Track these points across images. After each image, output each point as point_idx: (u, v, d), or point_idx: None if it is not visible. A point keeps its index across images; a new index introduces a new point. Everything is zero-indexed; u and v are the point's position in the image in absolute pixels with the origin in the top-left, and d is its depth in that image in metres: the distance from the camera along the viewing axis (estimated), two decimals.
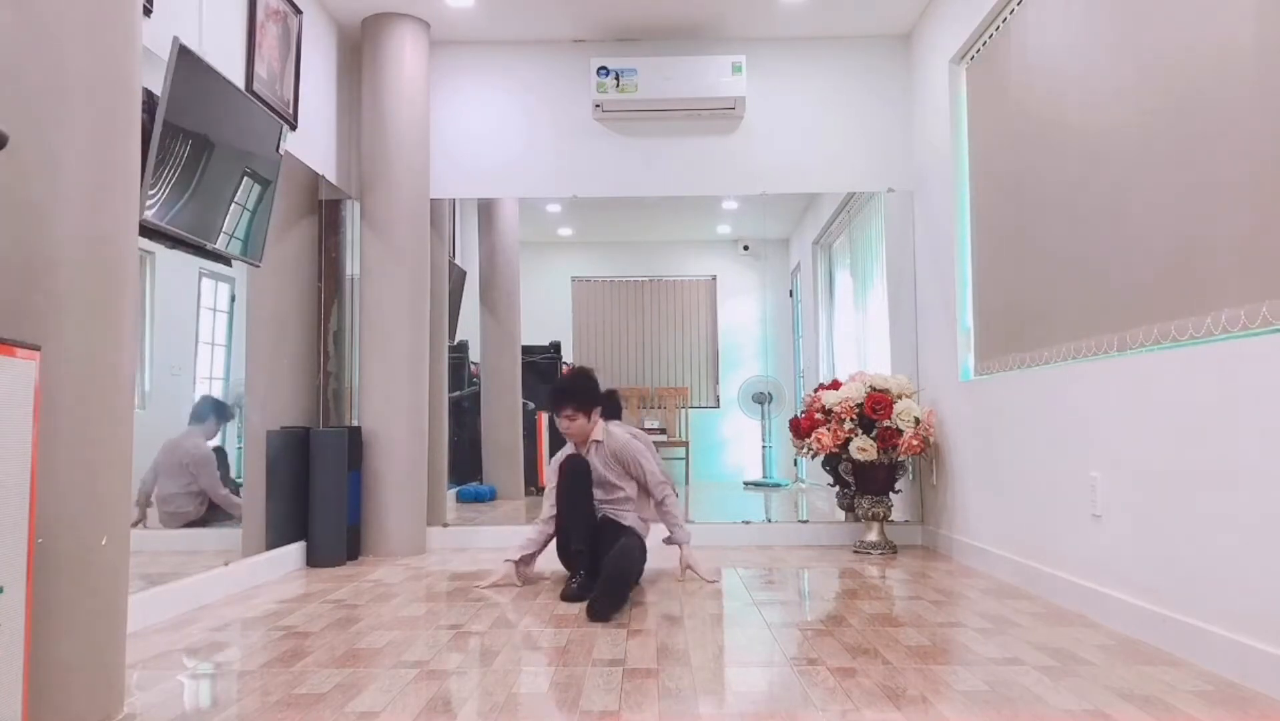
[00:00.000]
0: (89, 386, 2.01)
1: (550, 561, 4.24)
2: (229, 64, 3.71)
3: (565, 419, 3.81)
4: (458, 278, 6.21)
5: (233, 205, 3.55)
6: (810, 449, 4.64)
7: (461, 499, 6.25)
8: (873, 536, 4.60)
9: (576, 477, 3.69)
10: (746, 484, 6.11)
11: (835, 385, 4.75)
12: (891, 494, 4.63)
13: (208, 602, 3.43)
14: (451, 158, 5.16)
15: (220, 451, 3.80)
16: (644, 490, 3.90)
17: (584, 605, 3.26)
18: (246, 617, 3.17)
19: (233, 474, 3.94)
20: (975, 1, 4.00)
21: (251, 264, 3.81)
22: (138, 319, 2.24)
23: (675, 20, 4.94)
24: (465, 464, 6.53)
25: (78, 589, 1.98)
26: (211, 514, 3.68)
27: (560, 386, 3.85)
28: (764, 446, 6.32)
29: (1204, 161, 2.48)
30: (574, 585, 3.48)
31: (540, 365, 7.03)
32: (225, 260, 3.71)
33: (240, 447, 4.01)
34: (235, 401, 4.00)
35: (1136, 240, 2.80)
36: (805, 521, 5.02)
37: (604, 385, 3.93)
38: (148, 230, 3.05)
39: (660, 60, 4.96)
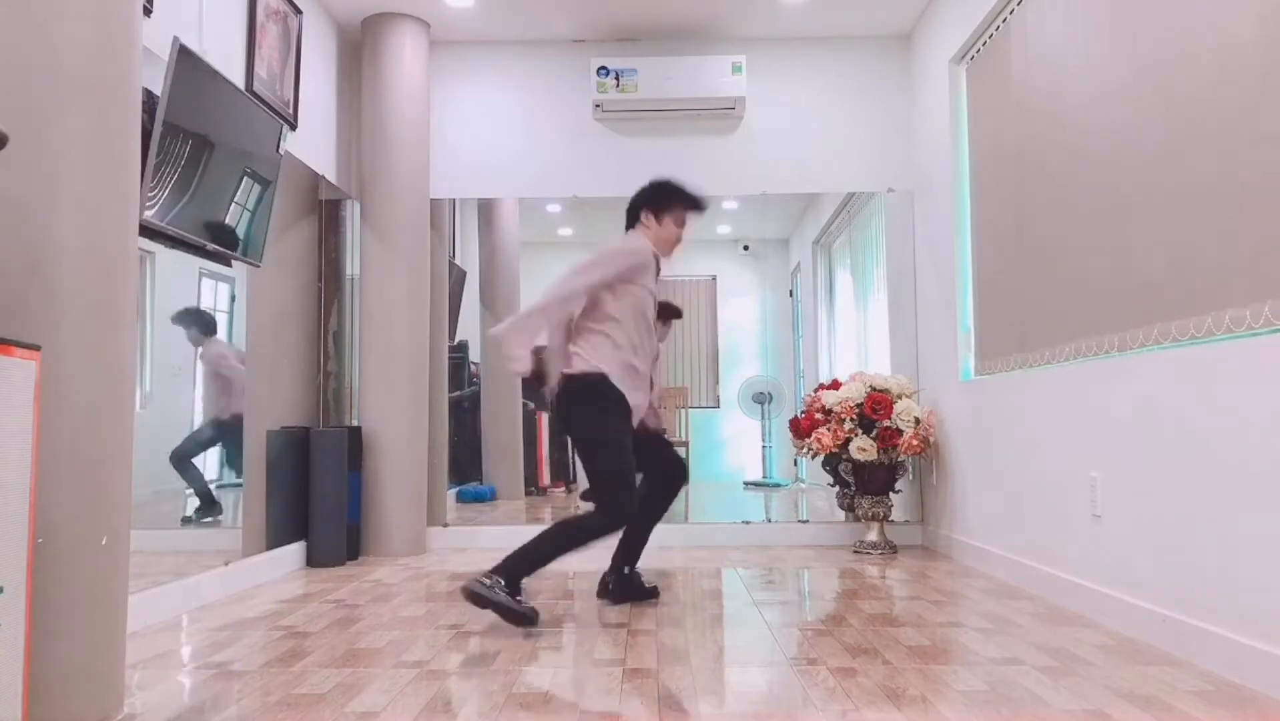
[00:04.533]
0: (89, 386, 2.01)
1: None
2: (229, 64, 3.71)
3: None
4: (458, 278, 6.20)
5: (233, 205, 3.55)
6: (810, 449, 4.64)
7: (461, 499, 6.25)
8: (873, 536, 4.60)
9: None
10: (746, 484, 6.11)
11: (835, 385, 4.75)
12: (891, 494, 4.63)
13: (208, 602, 3.42)
14: (451, 158, 5.16)
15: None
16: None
17: (600, 596, 3.36)
18: (246, 617, 3.17)
19: (232, 471, 3.94)
20: (975, 1, 4.00)
21: (251, 264, 3.81)
22: (137, 319, 2.24)
23: (675, 20, 4.93)
24: (465, 464, 6.53)
25: (78, 589, 1.97)
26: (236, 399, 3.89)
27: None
28: (764, 446, 6.32)
29: (1205, 160, 2.47)
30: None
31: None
32: (225, 260, 3.71)
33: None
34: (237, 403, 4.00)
35: (1137, 239, 2.80)
36: (805, 521, 5.02)
37: None
38: (148, 230, 3.05)
39: (660, 60, 4.96)
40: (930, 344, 4.78)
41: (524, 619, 2.89)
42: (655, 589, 3.41)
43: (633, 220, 3.32)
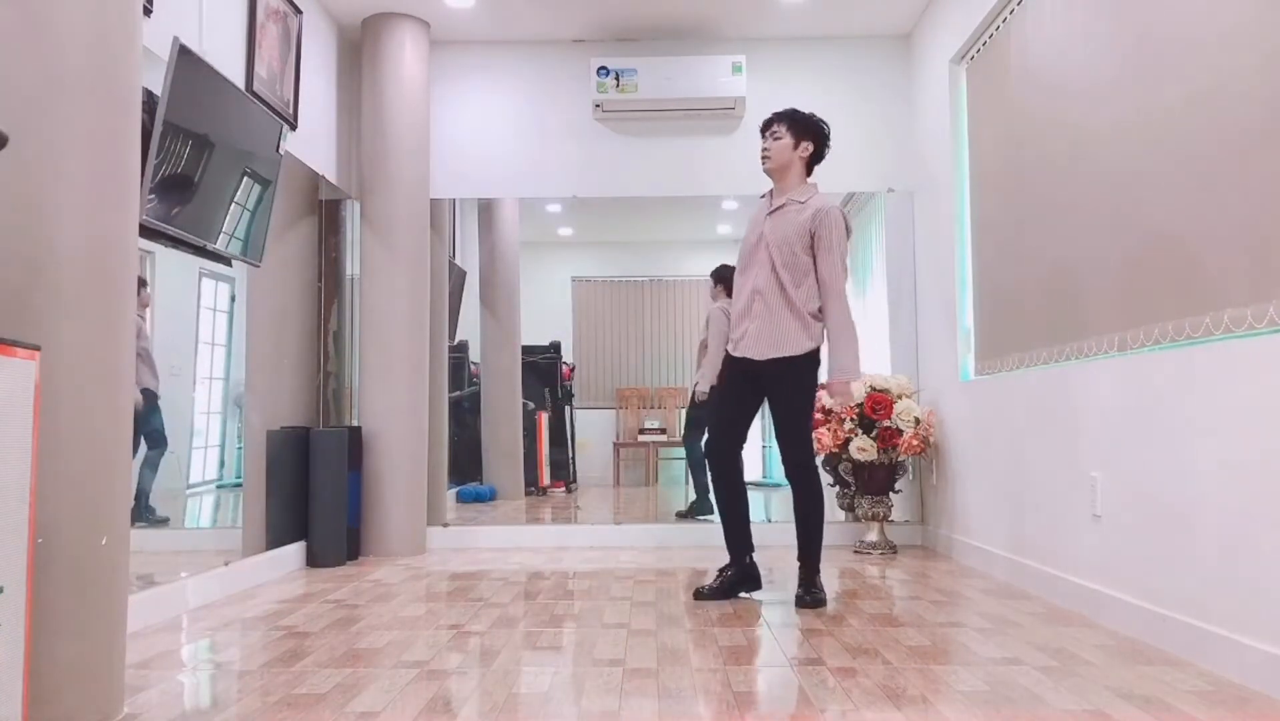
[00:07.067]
0: (89, 386, 2.01)
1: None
2: (229, 64, 3.71)
3: (769, 138, 3.41)
4: (458, 278, 6.20)
5: (233, 205, 3.55)
6: None
7: (461, 499, 6.25)
8: (873, 536, 4.60)
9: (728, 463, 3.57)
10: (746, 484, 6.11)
11: None
12: (891, 494, 4.63)
13: (208, 602, 3.43)
14: (452, 158, 5.16)
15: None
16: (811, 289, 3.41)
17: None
18: (246, 617, 3.17)
19: (231, 472, 3.94)
20: (975, 2, 4.00)
21: (251, 264, 3.81)
22: (137, 319, 2.23)
23: (675, 20, 4.93)
24: (465, 464, 6.53)
25: (78, 589, 1.97)
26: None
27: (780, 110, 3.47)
28: (764, 446, 6.32)
29: (1205, 160, 2.47)
30: (713, 584, 3.41)
31: (540, 365, 7.03)
32: (225, 260, 3.71)
33: (240, 448, 4.02)
34: (235, 400, 4.00)
35: (1136, 240, 2.80)
36: None
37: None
38: (148, 230, 3.05)
39: (660, 60, 4.96)
40: (930, 344, 4.78)
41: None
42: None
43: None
